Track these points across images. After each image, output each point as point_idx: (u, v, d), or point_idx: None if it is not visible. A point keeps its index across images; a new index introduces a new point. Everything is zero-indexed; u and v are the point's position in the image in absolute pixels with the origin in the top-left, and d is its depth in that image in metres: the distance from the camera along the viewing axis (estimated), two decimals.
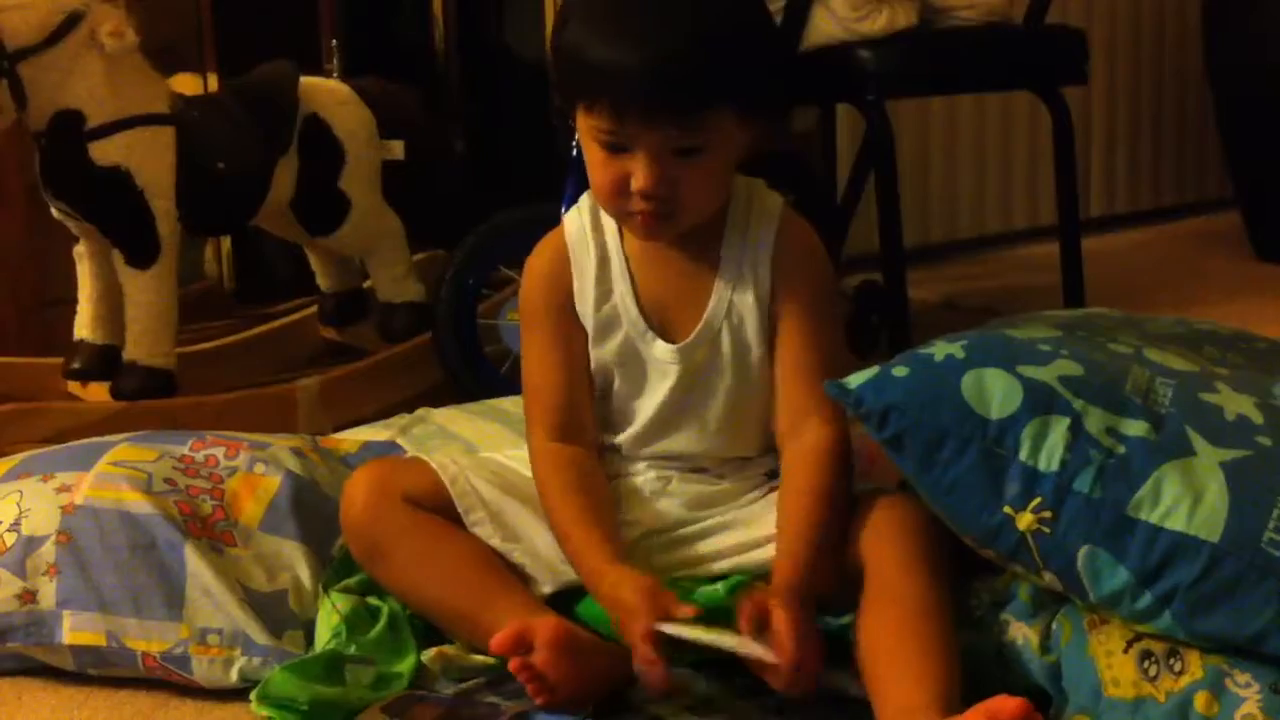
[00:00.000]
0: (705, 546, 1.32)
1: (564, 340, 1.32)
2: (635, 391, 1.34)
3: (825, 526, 1.25)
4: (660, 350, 1.32)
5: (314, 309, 2.52)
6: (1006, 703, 1.05)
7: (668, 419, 1.34)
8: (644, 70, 1.18)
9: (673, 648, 1.18)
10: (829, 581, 1.24)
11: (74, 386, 2.18)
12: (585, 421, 1.33)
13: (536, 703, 1.19)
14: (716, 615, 1.24)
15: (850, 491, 1.29)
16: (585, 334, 1.33)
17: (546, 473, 1.31)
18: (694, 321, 1.32)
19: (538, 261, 1.35)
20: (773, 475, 1.35)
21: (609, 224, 1.33)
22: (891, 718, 1.13)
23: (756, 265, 1.31)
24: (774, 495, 1.32)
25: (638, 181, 1.22)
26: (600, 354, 1.33)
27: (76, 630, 1.34)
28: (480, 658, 1.31)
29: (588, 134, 1.24)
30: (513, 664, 1.18)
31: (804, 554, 1.23)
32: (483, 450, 1.54)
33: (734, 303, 1.31)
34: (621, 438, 1.36)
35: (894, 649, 1.16)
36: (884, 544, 1.23)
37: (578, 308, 1.33)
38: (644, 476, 1.36)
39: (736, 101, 1.22)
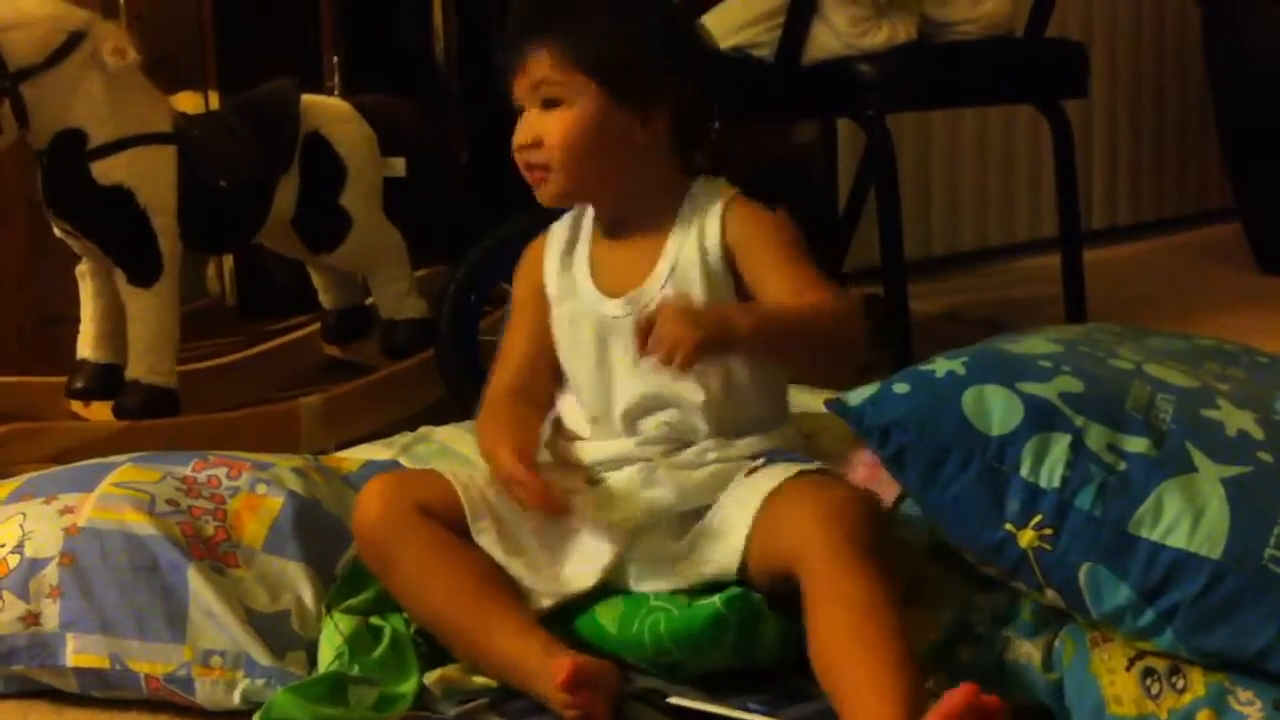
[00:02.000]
0: (697, 558, 1.32)
1: (534, 320, 1.45)
2: (591, 358, 1.40)
3: (800, 313, 1.31)
4: (609, 306, 1.40)
5: (316, 326, 2.52)
6: (954, 695, 1.06)
7: (626, 374, 1.38)
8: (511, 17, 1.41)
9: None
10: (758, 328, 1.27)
11: (76, 406, 2.18)
12: (538, 394, 1.43)
13: None
14: (715, 628, 1.26)
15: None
16: (549, 311, 1.44)
17: (486, 416, 1.41)
18: (641, 280, 1.40)
19: (527, 251, 1.50)
20: (760, 458, 1.35)
21: (588, 217, 1.46)
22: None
23: (704, 229, 1.39)
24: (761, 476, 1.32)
25: (517, 134, 1.37)
26: (560, 318, 1.43)
27: (80, 652, 1.34)
28: (482, 679, 1.32)
29: None
30: (572, 701, 1.21)
31: (773, 316, 1.31)
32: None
33: (679, 261, 1.39)
34: (576, 404, 1.42)
35: (845, 663, 1.15)
36: (817, 541, 1.20)
37: (545, 283, 1.44)
38: (631, 468, 1.37)
39: (577, 59, 1.34)
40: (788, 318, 1.32)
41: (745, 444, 1.38)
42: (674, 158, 1.41)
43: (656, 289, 1.38)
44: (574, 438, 1.42)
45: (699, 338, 1.21)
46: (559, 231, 1.47)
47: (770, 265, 1.37)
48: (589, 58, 1.35)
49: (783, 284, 1.35)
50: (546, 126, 1.35)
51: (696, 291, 1.37)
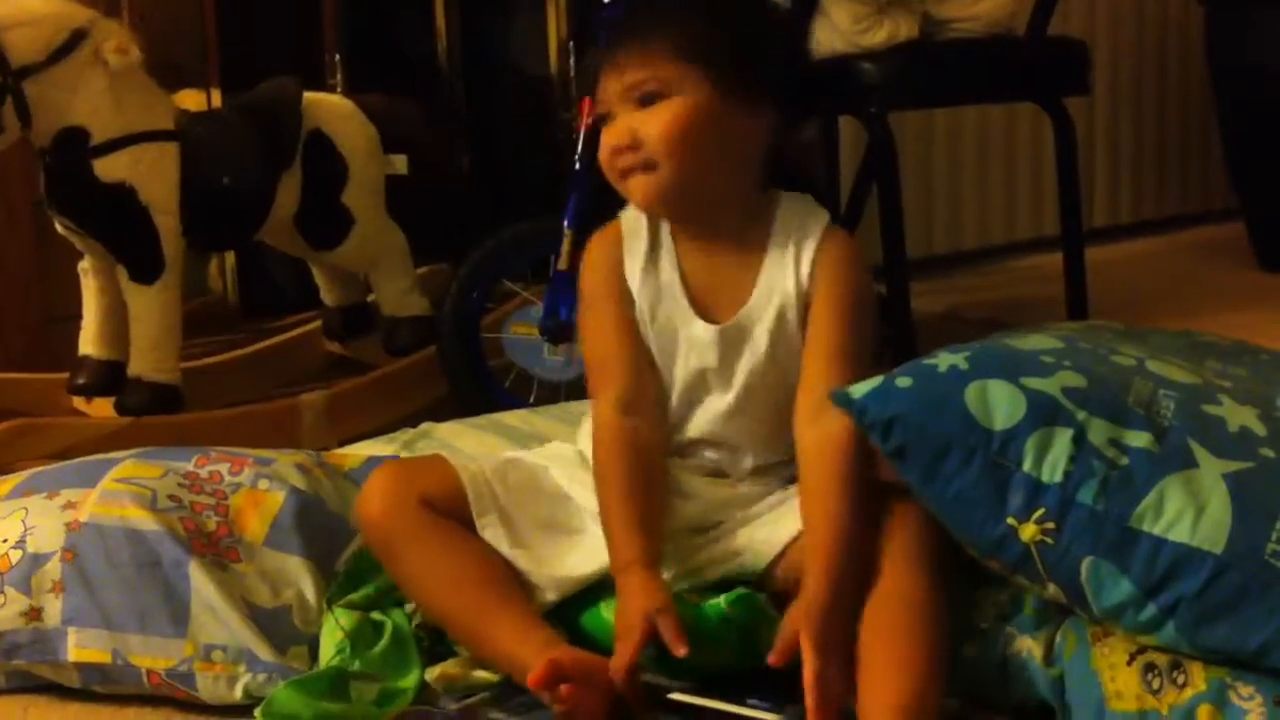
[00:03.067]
0: (713, 550, 1.32)
1: (621, 315, 1.35)
2: (668, 375, 1.35)
3: (848, 521, 1.24)
4: (700, 330, 1.34)
5: (318, 323, 2.53)
6: None
7: (695, 402, 1.35)
8: (608, 22, 1.35)
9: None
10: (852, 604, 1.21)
11: (79, 402, 2.18)
12: (648, 391, 1.35)
13: None
14: (720, 627, 1.26)
15: (867, 490, 1.28)
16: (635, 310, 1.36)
17: (606, 446, 1.32)
18: (736, 307, 1.34)
19: (595, 245, 1.40)
20: (792, 481, 1.35)
21: (665, 229, 1.38)
22: (870, 713, 1.13)
23: (800, 263, 1.33)
24: (789, 498, 1.32)
25: (608, 137, 1.31)
26: (643, 330, 1.35)
27: (82, 647, 1.34)
28: (484, 674, 1.31)
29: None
30: (553, 696, 1.18)
31: (827, 572, 1.21)
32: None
33: (776, 293, 1.33)
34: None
35: (877, 647, 1.16)
36: (889, 540, 1.22)
37: (629, 282, 1.36)
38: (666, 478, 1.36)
39: (692, 49, 1.29)
40: (850, 545, 1.23)
41: (781, 469, 1.37)
42: (763, 166, 1.35)
43: (756, 320, 1.33)
44: None
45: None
46: (635, 229, 1.37)
47: (827, 334, 1.31)
48: (701, 46, 1.28)
49: (819, 367, 1.30)
50: (648, 122, 1.28)
51: (793, 331, 1.32)
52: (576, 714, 1.19)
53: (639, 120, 1.29)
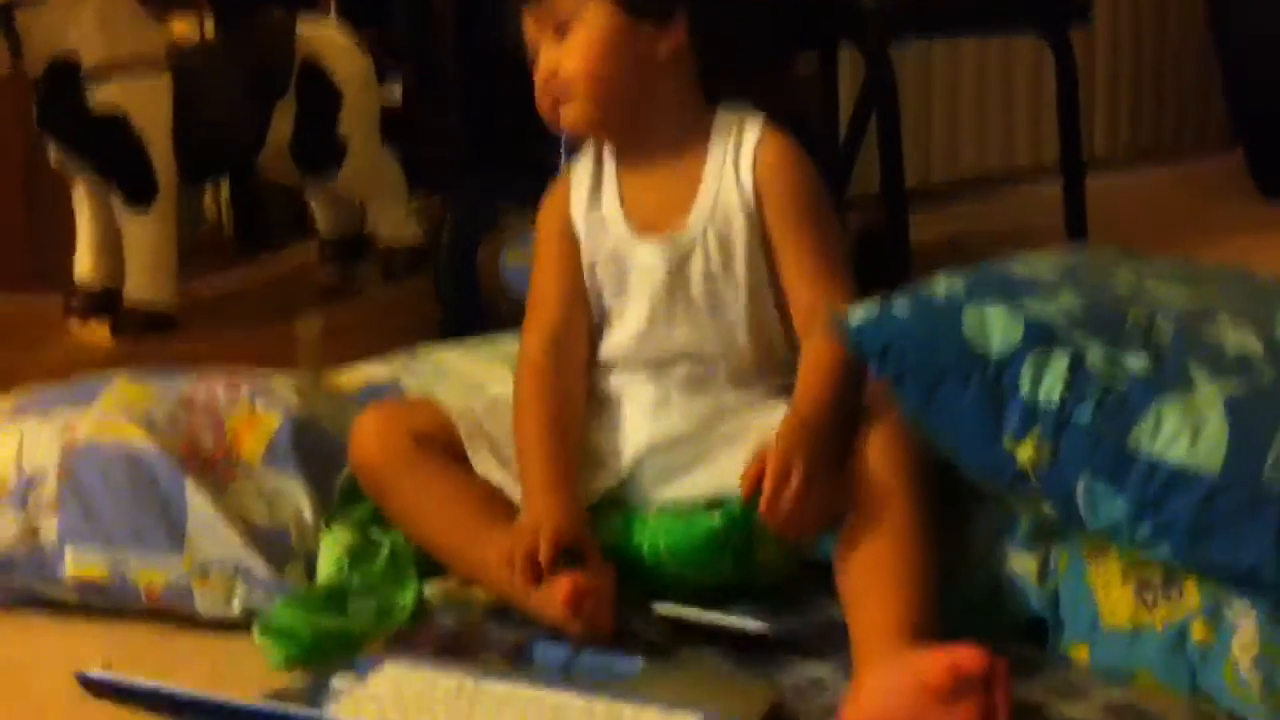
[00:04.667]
0: (701, 474, 1.33)
1: (563, 255, 1.39)
2: (623, 297, 1.37)
3: (839, 392, 1.27)
4: (645, 251, 1.36)
5: (314, 253, 2.52)
6: (970, 655, 1.02)
7: (658, 321, 1.36)
8: None
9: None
10: (835, 447, 1.24)
11: (74, 325, 2.18)
12: (577, 335, 1.39)
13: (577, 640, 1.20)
14: (712, 544, 1.27)
15: (862, 391, 1.30)
16: (580, 250, 1.39)
17: (526, 380, 1.36)
18: (679, 226, 1.36)
19: (547, 194, 1.44)
20: (783, 391, 1.35)
21: (609, 159, 1.40)
22: (861, 639, 1.14)
23: (739, 168, 1.35)
24: (778, 412, 1.32)
25: (536, 76, 1.34)
26: (589, 261, 1.38)
27: (79, 564, 1.35)
28: (480, 592, 1.32)
29: None
30: (577, 614, 1.20)
31: (814, 403, 1.26)
32: (488, 387, 1.55)
33: (718, 205, 1.35)
34: (617, 349, 1.38)
35: (871, 569, 1.17)
36: (875, 466, 1.22)
37: (574, 220, 1.39)
38: (645, 390, 1.36)
39: None
40: (839, 402, 1.27)
41: (766, 377, 1.37)
42: (697, 82, 1.36)
43: (697, 233, 1.34)
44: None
45: (819, 519, 1.21)
46: (582, 168, 1.41)
47: (794, 244, 1.33)
48: None
49: (802, 287, 1.33)
50: (563, 55, 1.31)
51: (739, 234, 1.34)
52: (587, 631, 1.20)
53: (557, 53, 1.32)
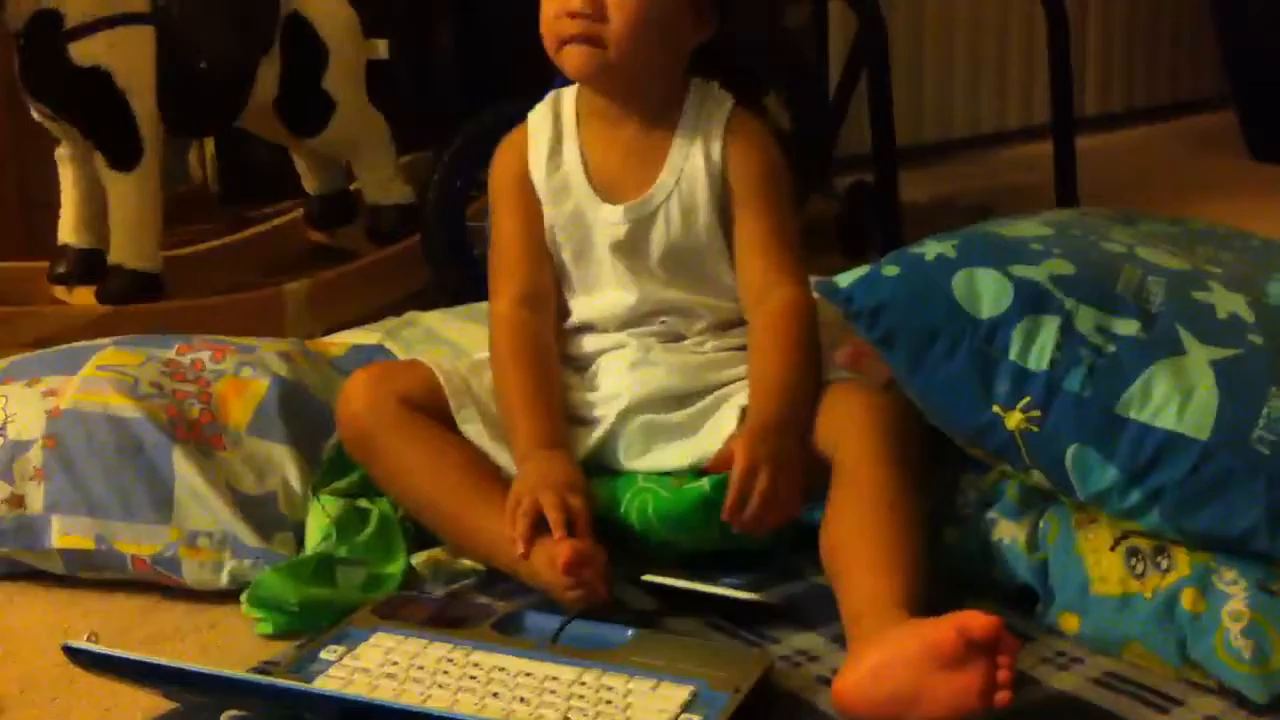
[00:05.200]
0: (685, 443, 1.32)
1: (524, 212, 1.39)
2: (587, 259, 1.38)
3: (798, 372, 1.29)
4: (607, 213, 1.36)
5: (300, 211, 2.50)
6: (977, 619, 1.02)
7: (624, 282, 1.37)
8: None
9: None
10: (801, 431, 1.25)
11: (59, 291, 2.16)
12: (547, 291, 1.39)
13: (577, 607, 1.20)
14: (702, 510, 1.27)
15: (819, 358, 1.32)
16: (540, 207, 1.39)
17: (503, 338, 1.35)
18: (644, 188, 1.36)
19: (501, 148, 1.43)
20: None
21: (567, 109, 1.40)
22: (854, 613, 1.13)
23: (709, 145, 1.35)
24: None
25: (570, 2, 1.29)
26: (550, 223, 1.38)
27: (65, 534, 1.34)
28: (469, 561, 1.32)
29: None
30: (576, 581, 1.19)
31: (774, 396, 1.27)
32: (474, 353, 1.54)
33: (684, 173, 1.36)
34: (586, 310, 1.39)
35: (858, 543, 1.16)
36: (853, 435, 1.23)
37: (534, 179, 1.38)
38: (626, 348, 1.37)
39: None
40: (804, 379, 1.29)
41: (738, 335, 1.37)
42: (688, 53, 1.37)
43: (661, 199, 1.35)
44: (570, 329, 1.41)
45: (789, 512, 1.23)
46: (539, 124, 1.40)
47: (753, 220, 1.35)
48: None
49: (754, 256, 1.34)
50: (612, 3, 1.29)
51: (701, 206, 1.35)
52: (580, 600, 1.20)
53: None
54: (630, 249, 1.36)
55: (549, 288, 1.39)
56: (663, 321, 1.38)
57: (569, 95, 1.40)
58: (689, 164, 1.35)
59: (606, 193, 1.37)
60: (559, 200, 1.37)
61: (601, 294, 1.38)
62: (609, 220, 1.36)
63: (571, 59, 1.32)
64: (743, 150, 1.35)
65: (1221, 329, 1.19)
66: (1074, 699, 1.10)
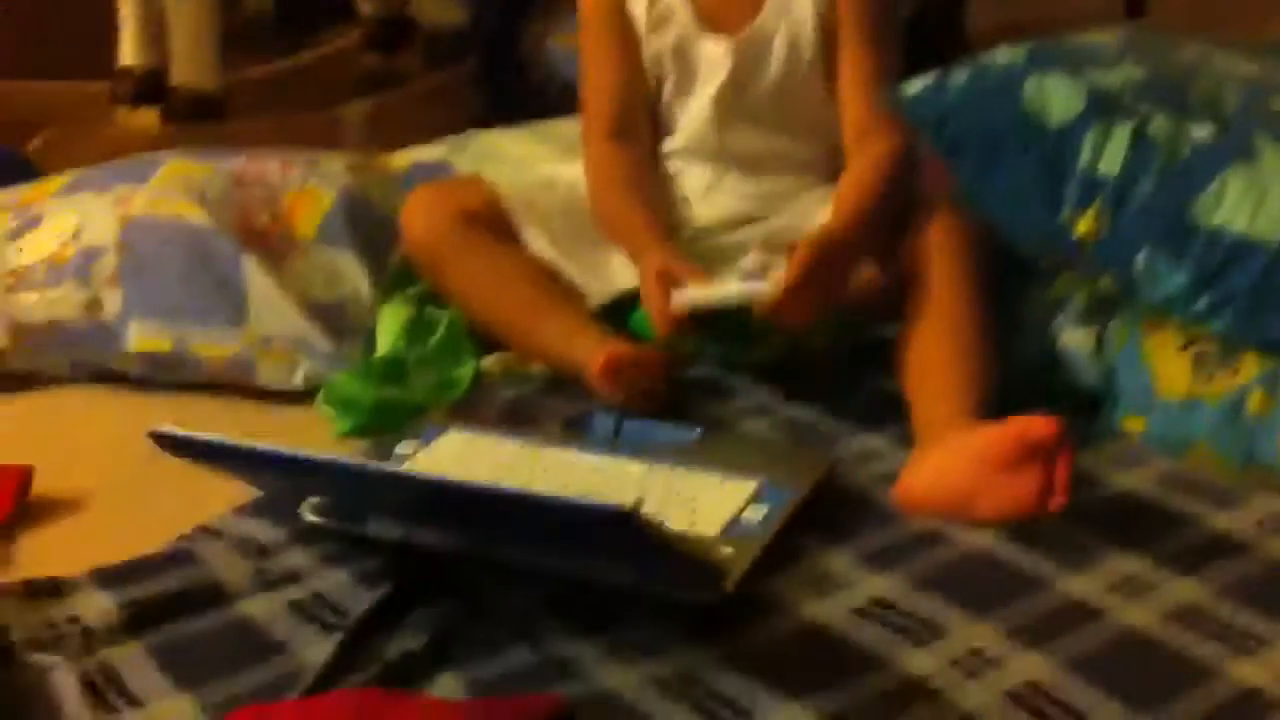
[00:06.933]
0: (780, 238, 1.32)
1: (619, 42, 1.36)
2: (687, 91, 1.35)
3: (877, 204, 1.26)
4: (711, 48, 1.33)
5: (358, 35, 2.48)
6: (1037, 423, 1.02)
7: (720, 118, 1.35)
8: None
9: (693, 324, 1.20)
10: (872, 255, 1.25)
11: (121, 113, 2.17)
12: (640, 122, 1.37)
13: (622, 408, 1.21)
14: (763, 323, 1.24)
15: (907, 200, 1.29)
16: (638, 37, 1.35)
17: (600, 167, 1.34)
18: (747, 22, 1.33)
19: None
20: (835, 178, 1.34)
21: None
22: (925, 419, 1.15)
23: None
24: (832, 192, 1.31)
25: None
26: (652, 53, 1.35)
27: (143, 337, 1.37)
28: (538, 365, 1.33)
29: None
30: (614, 385, 1.20)
31: (847, 211, 1.25)
32: (538, 166, 1.54)
33: (793, 7, 1.33)
34: (677, 140, 1.37)
35: (936, 357, 1.17)
36: (933, 255, 1.22)
37: (631, 7, 1.35)
38: (699, 174, 1.36)
39: None
40: (883, 207, 1.27)
41: (821, 167, 1.37)
42: None
43: (771, 34, 1.32)
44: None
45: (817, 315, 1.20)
46: None
47: (862, 58, 1.32)
48: None
49: (859, 96, 1.31)
50: None
51: (808, 38, 1.32)
52: (634, 401, 1.22)
53: None
54: (735, 83, 1.33)
55: (641, 119, 1.37)
56: (751, 152, 1.36)
57: None
58: (796, 3, 1.32)
59: (711, 25, 1.34)
60: (660, 30, 1.35)
61: (693, 124, 1.36)
62: (713, 52, 1.33)
63: None
64: None
65: None
66: (1135, 497, 1.11)
